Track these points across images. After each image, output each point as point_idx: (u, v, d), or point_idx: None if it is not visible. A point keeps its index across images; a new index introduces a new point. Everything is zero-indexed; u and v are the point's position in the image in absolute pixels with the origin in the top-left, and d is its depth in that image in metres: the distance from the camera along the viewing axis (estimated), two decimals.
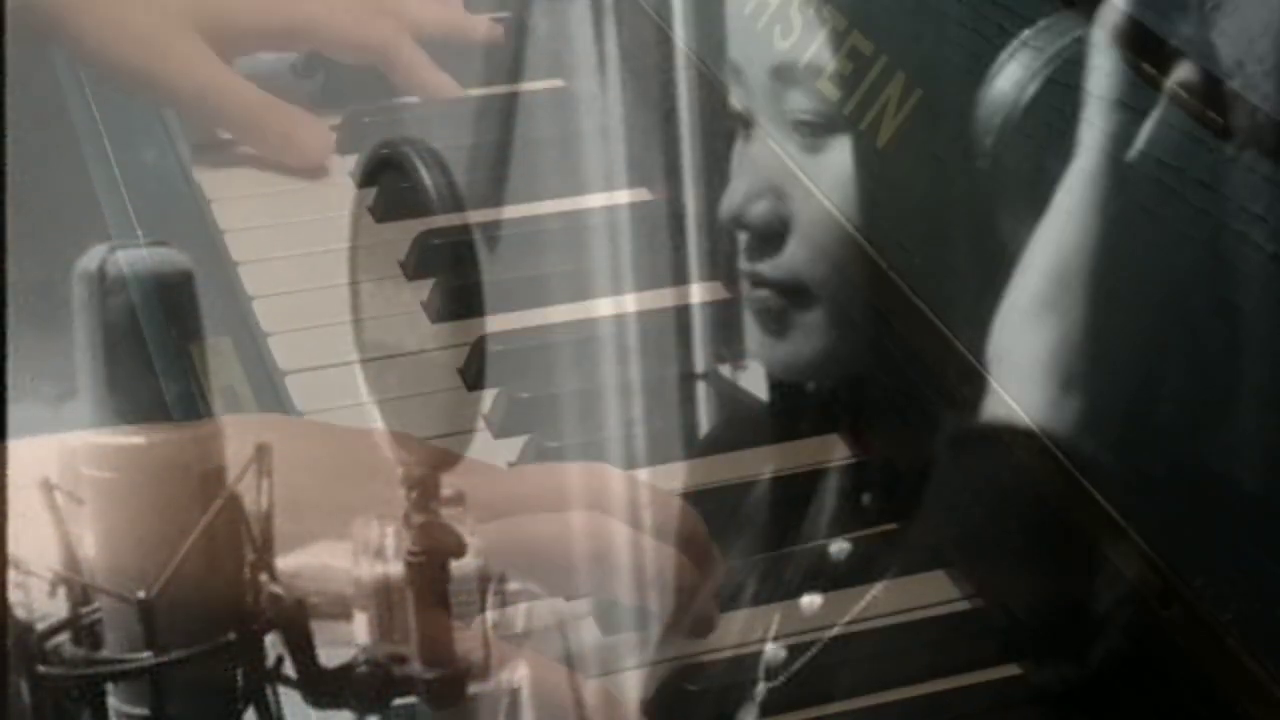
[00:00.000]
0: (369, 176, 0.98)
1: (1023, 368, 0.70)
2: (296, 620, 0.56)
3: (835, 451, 0.81)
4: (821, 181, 0.83)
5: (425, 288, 0.89)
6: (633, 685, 0.70)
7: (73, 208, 0.96)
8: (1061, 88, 0.71)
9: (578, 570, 0.69)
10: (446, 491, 0.59)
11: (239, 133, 1.02)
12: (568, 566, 0.69)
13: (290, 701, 0.57)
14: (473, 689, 0.59)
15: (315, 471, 0.67)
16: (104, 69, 1.03)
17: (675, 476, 0.80)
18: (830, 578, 0.74)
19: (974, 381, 0.72)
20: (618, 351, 0.87)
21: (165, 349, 0.57)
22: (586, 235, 0.95)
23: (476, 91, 1.06)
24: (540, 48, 1.03)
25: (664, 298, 0.91)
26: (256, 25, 1.04)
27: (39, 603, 0.55)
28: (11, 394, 0.51)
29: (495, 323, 0.88)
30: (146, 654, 0.55)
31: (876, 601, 0.73)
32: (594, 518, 0.69)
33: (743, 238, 0.87)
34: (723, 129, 0.90)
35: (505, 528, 0.67)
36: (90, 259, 0.57)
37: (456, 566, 0.58)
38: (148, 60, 1.00)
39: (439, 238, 0.91)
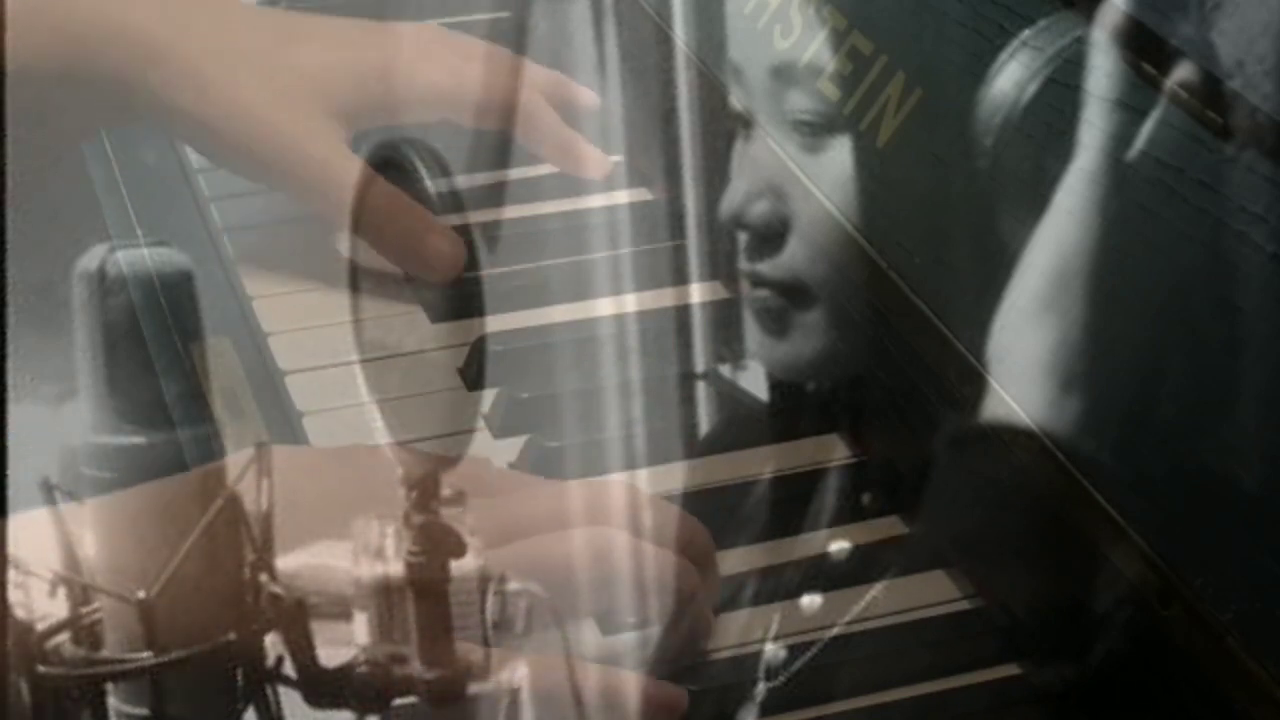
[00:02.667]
0: None
1: (1023, 368, 0.70)
2: (296, 620, 0.56)
3: (835, 451, 0.81)
4: (821, 181, 0.83)
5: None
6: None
7: (73, 208, 0.96)
8: (1061, 88, 0.71)
9: (589, 589, 0.69)
10: (446, 491, 0.59)
11: (362, 231, 0.88)
12: (579, 586, 0.68)
13: (290, 701, 0.57)
14: (473, 689, 0.59)
15: (329, 503, 0.65)
16: (215, 152, 0.93)
17: (675, 476, 0.80)
18: (830, 578, 0.74)
19: (974, 381, 0.72)
20: (618, 351, 0.87)
21: (165, 349, 0.58)
22: (586, 235, 0.95)
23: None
24: (540, 48, 1.03)
25: (664, 298, 0.91)
26: (382, 98, 0.93)
27: (39, 603, 0.55)
28: (11, 394, 0.51)
29: (495, 323, 0.88)
30: (146, 654, 0.55)
31: (876, 601, 0.73)
32: (603, 535, 0.69)
33: (743, 238, 0.87)
34: (723, 129, 0.90)
35: (518, 550, 0.67)
36: (90, 259, 0.57)
37: (456, 566, 0.58)
38: (264, 143, 0.89)
39: None
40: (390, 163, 0.93)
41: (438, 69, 0.95)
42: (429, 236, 0.88)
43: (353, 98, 0.92)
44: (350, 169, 0.89)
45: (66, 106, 0.88)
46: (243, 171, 0.93)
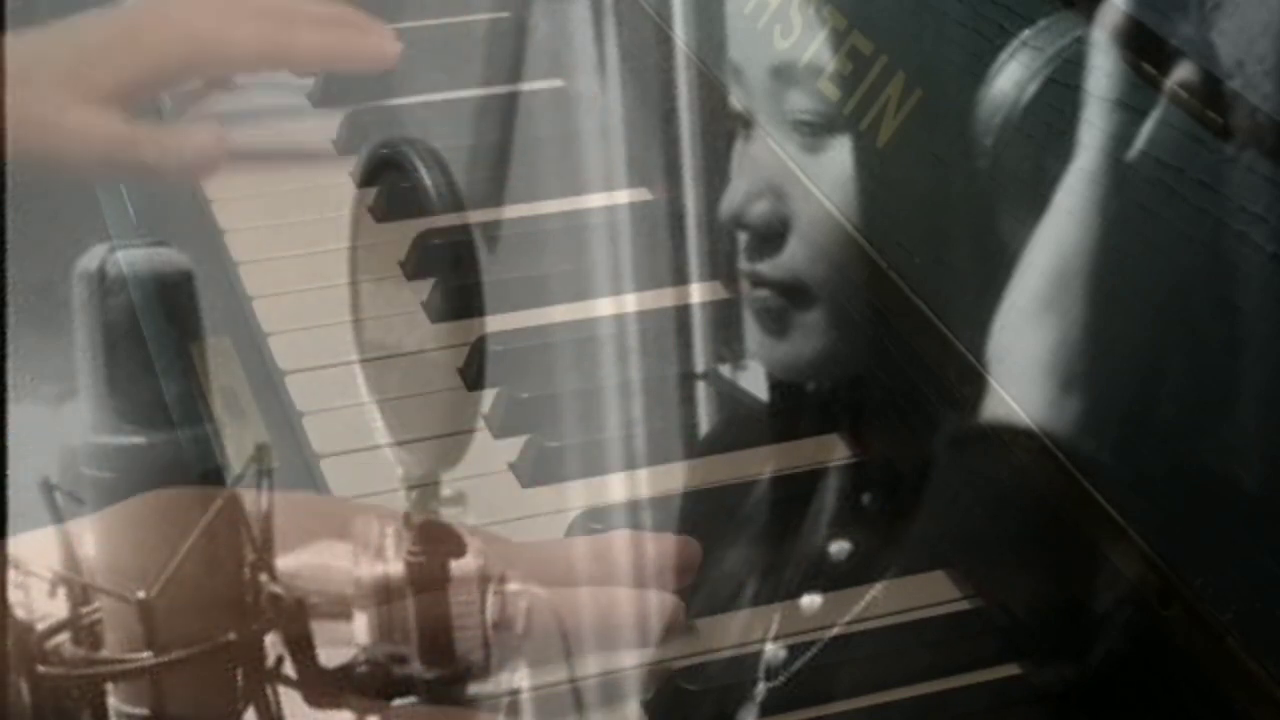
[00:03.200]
0: (369, 176, 0.98)
1: (1023, 368, 0.70)
2: (296, 620, 0.56)
3: (835, 451, 0.81)
4: (821, 181, 0.83)
5: (425, 288, 0.89)
6: (632, 685, 0.70)
7: (73, 208, 0.96)
8: (1061, 88, 0.71)
9: (588, 642, 0.69)
10: (447, 492, 0.59)
11: (136, 173, 0.97)
12: (580, 640, 0.68)
13: (290, 701, 0.57)
14: (472, 689, 0.59)
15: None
16: (15, 162, 0.98)
17: (675, 476, 0.80)
18: (830, 578, 0.74)
19: (974, 381, 0.72)
20: (618, 351, 0.87)
21: (165, 349, 0.58)
22: (586, 235, 0.95)
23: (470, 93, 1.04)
24: (540, 48, 1.03)
25: (664, 298, 0.91)
26: (149, 73, 0.98)
27: (39, 603, 0.55)
28: (11, 394, 0.51)
29: (495, 323, 0.88)
30: (146, 654, 0.55)
31: (876, 601, 0.73)
32: (603, 594, 0.69)
33: (743, 238, 0.87)
34: (723, 129, 0.90)
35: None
36: (90, 259, 0.57)
37: (456, 566, 0.58)
38: (53, 146, 0.94)
39: (439, 238, 0.91)
40: (390, 163, 0.93)
41: (174, 34, 0.99)
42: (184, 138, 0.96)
43: (115, 79, 0.96)
44: (130, 131, 0.95)
45: None
46: (44, 174, 0.95)
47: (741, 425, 0.85)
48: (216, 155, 0.96)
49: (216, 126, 0.97)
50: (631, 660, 0.69)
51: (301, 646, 0.57)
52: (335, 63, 1.02)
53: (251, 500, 0.56)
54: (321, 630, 0.57)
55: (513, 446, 0.81)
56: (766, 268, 0.85)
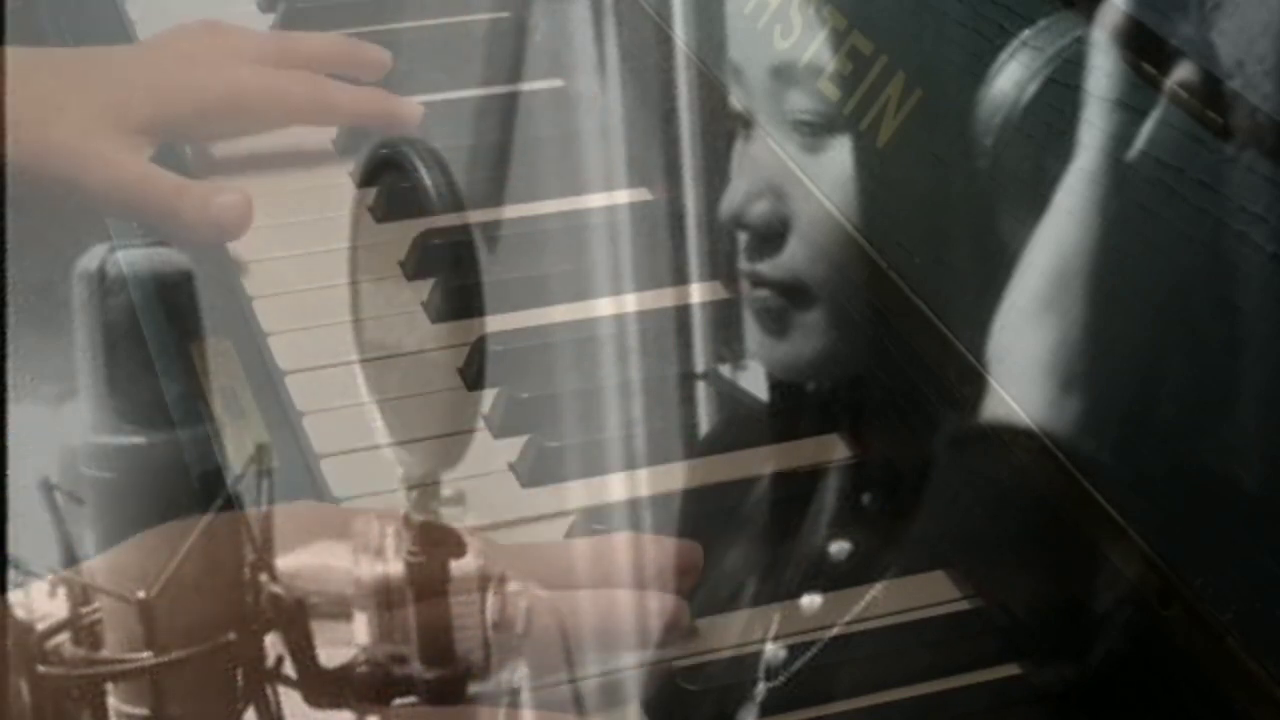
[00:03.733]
0: (369, 177, 0.98)
1: (1023, 368, 0.70)
2: (296, 620, 0.56)
3: (835, 451, 0.81)
4: (821, 181, 0.83)
5: (425, 288, 0.89)
6: (633, 685, 0.70)
7: (73, 208, 0.96)
8: (1061, 88, 0.71)
9: (588, 644, 0.69)
10: (447, 492, 0.59)
11: (157, 222, 0.94)
12: (580, 642, 0.69)
13: (290, 701, 0.57)
14: (473, 689, 0.59)
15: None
16: (33, 189, 0.94)
17: (675, 476, 0.80)
18: (830, 578, 0.74)
19: (974, 381, 0.72)
20: (618, 351, 0.87)
21: (165, 349, 0.58)
22: (586, 235, 0.95)
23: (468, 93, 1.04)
24: (540, 48, 1.03)
25: (664, 298, 0.91)
26: (190, 114, 0.99)
27: (39, 603, 0.55)
28: (11, 394, 0.51)
29: (495, 323, 0.88)
30: (146, 654, 0.55)
31: (876, 601, 0.73)
32: (604, 595, 0.69)
33: (743, 238, 0.87)
34: (723, 129, 0.90)
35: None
36: (90, 259, 0.57)
37: (456, 566, 0.58)
38: (78, 172, 0.94)
39: (439, 238, 0.91)
40: (390, 163, 0.93)
41: (215, 80, 1.00)
42: (213, 200, 0.93)
43: (149, 117, 0.97)
44: (161, 179, 0.94)
45: None
46: (61, 202, 0.95)
47: (741, 425, 0.85)
48: (244, 220, 0.94)
49: (244, 191, 0.95)
50: (633, 662, 0.69)
51: (301, 646, 0.57)
52: (367, 120, 1.02)
53: (251, 519, 0.56)
54: (321, 630, 0.57)
55: (513, 446, 0.81)
56: (766, 268, 0.85)
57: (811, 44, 0.85)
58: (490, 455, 0.80)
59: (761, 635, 0.71)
